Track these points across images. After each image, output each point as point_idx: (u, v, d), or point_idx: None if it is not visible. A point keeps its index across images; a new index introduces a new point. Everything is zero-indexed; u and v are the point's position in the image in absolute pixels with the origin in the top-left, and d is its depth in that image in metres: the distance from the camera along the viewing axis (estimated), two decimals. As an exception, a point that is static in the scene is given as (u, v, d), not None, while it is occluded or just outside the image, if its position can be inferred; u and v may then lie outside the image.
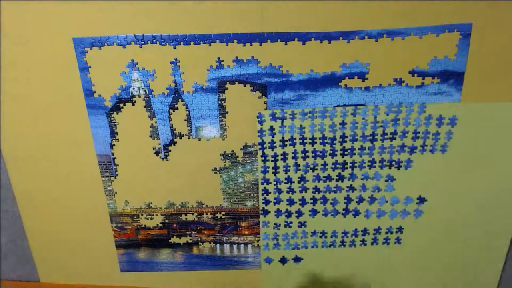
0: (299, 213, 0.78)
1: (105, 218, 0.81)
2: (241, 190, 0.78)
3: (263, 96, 0.70)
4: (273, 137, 0.72)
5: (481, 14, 0.63)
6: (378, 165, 0.74)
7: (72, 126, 0.73)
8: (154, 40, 0.66)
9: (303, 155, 0.73)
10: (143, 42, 0.66)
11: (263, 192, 0.77)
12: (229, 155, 0.75)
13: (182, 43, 0.66)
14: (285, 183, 0.76)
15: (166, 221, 0.82)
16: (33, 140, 0.75)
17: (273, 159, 0.74)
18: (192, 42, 0.66)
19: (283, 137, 0.72)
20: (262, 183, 0.76)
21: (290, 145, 0.72)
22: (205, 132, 0.73)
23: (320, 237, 0.80)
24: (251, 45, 0.66)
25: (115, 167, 0.77)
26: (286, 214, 0.78)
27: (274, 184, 0.76)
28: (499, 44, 0.65)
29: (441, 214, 0.74)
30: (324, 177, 0.75)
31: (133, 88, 0.70)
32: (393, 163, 0.74)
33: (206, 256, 0.85)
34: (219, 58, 0.67)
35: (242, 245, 0.84)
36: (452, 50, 0.65)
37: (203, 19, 0.65)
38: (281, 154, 0.73)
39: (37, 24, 0.66)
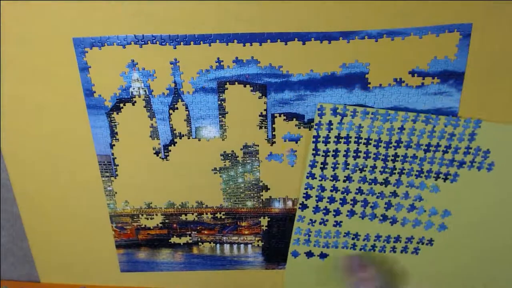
0: (337, 212, 0.77)
1: (105, 218, 0.81)
2: (241, 190, 0.78)
3: (263, 97, 0.70)
4: (329, 132, 0.70)
5: (481, 14, 0.63)
6: (425, 175, 0.73)
7: (72, 126, 0.73)
8: (154, 40, 0.66)
9: (354, 154, 0.72)
10: (143, 42, 0.66)
11: (306, 186, 0.75)
12: (229, 155, 0.75)
13: (182, 43, 0.66)
14: (330, 180, 0.74)
15: (166, 221, 0.82)
16: (33, 140, 0.75)
17: (324, 154, 0.72)
18: (192, 42, 0.66)
19: (339, 134, 0.70)
20: (307, 177, 0.75)
21: (344, 142, 0.71)
22: (205, 132, 0.73)
23: (353, 238, 0.79)
24: (251, 45, 0.66)
25: (115, 167, 0.77)
26: (324, 211, 0.77)
27: (319, 180, 0.75)
28: (499, 44, 0.65)
29: (472, 229, 0.74)
30: (370, 179, 0.74)
31: (133, 88, 0.70)
32: (440, 175, 0.73)
33: (206, 256, 0.85)
34: (219, 58, 0.67)
35: (242, 245, 0.84)
36: (452, 50, 0.65)
37: (203, 19, 0.65)
38: (333, 151, 0.72)
39: (37, 24, 0.66)
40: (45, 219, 0.82)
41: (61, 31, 0.66)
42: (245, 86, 0.70)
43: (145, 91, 0.70)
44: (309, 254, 0.82)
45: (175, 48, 0.67)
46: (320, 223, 0.78)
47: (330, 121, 0.70)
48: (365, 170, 0.74)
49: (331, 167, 0.74)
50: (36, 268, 0.88)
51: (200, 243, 0.84)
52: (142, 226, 0.82)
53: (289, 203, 0.79)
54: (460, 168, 0.73)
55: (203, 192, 0.79)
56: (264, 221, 0.81)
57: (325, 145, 0.72)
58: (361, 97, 0.69)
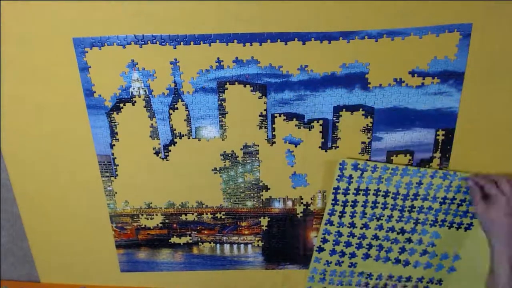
0: (353, 255, 0.80)
1: (105, 218, 0.81)
2: (241, 190, 0.78)
3: (263, 97, 0.70)
4: (349, 184, 0.73)
5: (481, 14, 0.63)
6: (439, 224, 0.76)
7: (72, 126, 0.73)
8: (154, 40, 0.66)
9: (372, 205, 0.75)
10: (143, 42, 0.66)
11: (324, 232, 0.78)
12: (229, 155, 0.75)
13: (182, 43, 0.66)
14: (348, 227, 0.78)
15: (166, 221, 0.82)
16: (33, 140, 0.75)
17: (342, 204, 0.75)
18: (192, 42, 0.66)
19: (358, 186, 0.73)
20: (326, 224, 0.78)
21: (363, 194, 0.74)
22: (205, 132, 0.73)
23: (366, 278, 0.82)
24: (251, 45, 0.66)
25: (115, 167, 0.77)
26: (340, 254, 0.80)
27: (337, 226, 0.78)
28: (499, 44, 0.65)
29: (478, 272, 0.74)
30: (387, 227, 0.77)
31: (133, 88, 0.70)
32: (454, 224, 0.76)
33: (206, 256, 0.85)
34: (219, 58, 0.67)
35: (242, 245, 0.84)
36: (452, 50, 0.65)
37: (203, 19, 0.65)
38: (352, 201, 0.75)
39: (37, 24, 0.66)
40: (45, 219, 0.82)
41: (61, 31, 0.66)
42: (245, 86, 0.69)
43: (145, 91, 0.70)
44: None
45: (175, 48, 0.67)
46: (336, 264, 0.82)
47: (350, 175, 0.73)
48: (382, 219, 0.76)
49: (349, 215, 0.76)
50: (36, 268, 0.88)
51: (200, 243, 0.84)
52: (142, 226, 0.82)
53: (289, 203, 0.79)
54: (473, 218, 0.75)
55: (203, 192, 0.79)
56: (264, 221, 0.81)
57: (345, 196, 0.75)
58: (361, 97, 0.69)
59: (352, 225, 0.77)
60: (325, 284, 0.84)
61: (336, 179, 0.73)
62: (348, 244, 0.79)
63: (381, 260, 0.80)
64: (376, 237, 0.78)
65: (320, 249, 0.81)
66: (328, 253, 0.81)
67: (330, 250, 0.80)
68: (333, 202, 0.75)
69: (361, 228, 0.78)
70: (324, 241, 0.80)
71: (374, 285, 0.83)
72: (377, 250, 0.80)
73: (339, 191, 0.74)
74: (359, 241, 0.79)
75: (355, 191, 0.74)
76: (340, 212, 0.76)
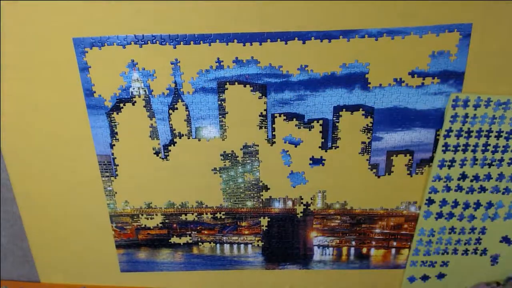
0: (461, 217, 0.76)
1: (105, 218, 0.81)
2: (241, 190, 0.78)
3: (263, 97, 0.70)
4: (463, 124, 0.68)
5: (481, 14, 0.63)
6: None
7: (72, 126, 0.73)
8: (154, 40, 0.66)
9: (483, 148, 0.70)
10: (143, 42, 0.66)
11: (430, 190, 0.73)
12: (229, 155, 0.75)
13: (182, 43, 0.66)
14: (457, 179, 0.72)
15: (166, 221, 0.82)
16: (33, 140, 0.75)
17: (454, 149, 0.70)
18: (192, 42, 0.66)
19: (468, 128, 0.68)
20: (434, 180, 0.73)
21: (475, 137, 0.69)
22: (205, 133, 0.73)
23: (474, 243, 0.78)
24: (251, 45, 0.66)
25: (115, 167, 0.77)
26: (447, 216, 0.76)
27: (444, 181, 0.73)
28: (499, 44, 0.65)
29: None
30: (498, 174, 0.72)
31: (133, 88, 0.70)
32: None
33: (206, 256, 0.85)
34: (219, 58, 0.67)
35: (242, 245, 0.84)
36: (452, 50, 0.65)
37: (203, 19, 0.65)
38: (463, 145, 0.70)
39: (37, 24, 0.66)
40: (45, 219, 0.82)
41: (61, 31, 0.66)
42: (245, 86, 0.69)
43: (145, 91, 0.70)
44: (425, 278, 0.82)
45: (175, 48, 0.67)
46: (440, 232, 0.77)
47: (466, 114, 0.67)
48: (493, 165, 0.71)
49: (459, 164, 0.71)
50: (36, 268, 0.88)
51: (200, 243, 0.84)
52: (142, 226, 0.82)
53: (289, 203, 0.79)
54: None
55: (203, 192, 0.79)
56: (264, 221, 0.81)
57: (457, 139, 0.69)
58: (361, 97, 0.69)
59: (463, 176, 0.72)
60: (430, 256, 0.79)
61: (450, 120, 0.68)
62: (455, 204, 0.74)
63: (489, 218, 0.75)
64: (482, 189, 0.73)
65: (428, 214, 0.75)
66: (434, 217, 0.76)
67: (437, 214, 0.75)
68: (444, 148, 0.70)
69: (471, 181, 0.72)
70: (430, 202, 0.74)
71: (482, 251, 0.77)
72: (486, 208, 0.74)
73: (450, 133, 0.69)
74: (465, 199, 0.73)
75: (466, 134, 0.68)
76: (449, 161, 0.71)
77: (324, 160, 0.74)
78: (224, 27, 0.65)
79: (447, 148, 0.71)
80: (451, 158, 0.71)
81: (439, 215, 0.76)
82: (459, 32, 0.64)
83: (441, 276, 0.82)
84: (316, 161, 0.74)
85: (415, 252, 0.80)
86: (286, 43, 0.66)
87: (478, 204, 0.75)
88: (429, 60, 0.66)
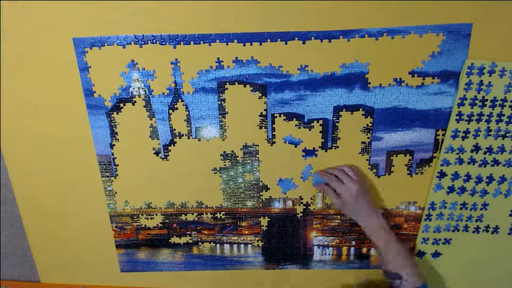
0: (473, 192, 0.74)
1: (105, 218, 0.81)
2: (241, 190, 0.78)
3: (263, 97, 0.70)
4: (478, 92, 0.67)
5: (481, 14, 0.63)
6: None
7: (72, 126, 0.73)
8: (154, 40, 0.66)
9: (498, 118, 0.69)
10: (143, 42, 0.66)
11: (442, 162, 0.72)
12: (229, 155, 0.75)
13: (182, 43, 0.66)
14: (470, 151, 0.71)
15: (166, 221, 0.82)
16: (33, 140, 0.75)
17: (467, 119, 0.69)
18: (192, 42, 0.66)
19: (483, 97, 0.67)
20: (446, 152, 0.71)
21: (490, 106, 0.67)
22: (205, 133, 0.73)
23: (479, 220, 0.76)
24: (251, 45, 0.66)
25: (115, 167, 0.77)
26: (459, 191, 0.74)
27: (457, 153, 0.71)
28: (499, 44, 0.65)
29: None
30: (511, 148, 0.70)
31: (133, 88, 0.70)
32: None
33: (206, 256, 0.85)
34: (219, 58, 0.67)
35: (242, 245, 0.84)
36: (452, 50, 0.65)
37: (203, 19, 0.65)
38: (477, 115, 0.68)
39: (37, 24, 0.66)
40: (45, 219, 0.82)
41: (61, 31, 0.66)
42: (245, 86, 0.69)
43: (145, 91, 0.70)
44: (436, 255, 0.80)
45: (175, 48, 0.67)
46: (451, 208, 0.75)
47: (481, 81, 0.66)
48: (507, 136, 0.69)
49: (473, 135, 0.70)
50: (36, 268, 0.88)
51: (200, 243, 0.84)
52: (142, 226, 0.82)
53: (289, 203, 0.79)
54: None
55: (203, 192, 0.79)
56: (264, 221, 0.81)
57: (472, 107, 0.67)
58: (361, 97, 0.69)
59: (476, 147, 0.70)
60: (441, 233, 0.78)
61: (464, 88, 0.67)
62: (468, 178, 0.73)
63: (501, 194, 0.74)
64: (496, 162, 0.71)
65: (438, 187, 0.74)
66: (446, 191, 0.74)
67: (448, 187, 0.74)
68: (457, 118, 0.69)
69: (485, 153, 0.71)
70: (442, 175, 0.73)
71: (493, 229, 0.76)
72: (498, 182, 0.73)
73: (464, 101, 0.67)
74: (478, 172, 0.72)
75: (480, 103, 0.67)
76: (463, 132, 0.69)
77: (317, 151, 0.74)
78: (224, 27, 0.65)
79: (461, 118, 0.69)
80: (465, 128, 0.69)
81: (451, 189, 0.74)
82: (459, 32, 0.64)
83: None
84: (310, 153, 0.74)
85: (424, 228, 0.78)
86: (286, 43, 0.66)
87: (491, 178, 0.73)
88: (429, 60, 0.66)
